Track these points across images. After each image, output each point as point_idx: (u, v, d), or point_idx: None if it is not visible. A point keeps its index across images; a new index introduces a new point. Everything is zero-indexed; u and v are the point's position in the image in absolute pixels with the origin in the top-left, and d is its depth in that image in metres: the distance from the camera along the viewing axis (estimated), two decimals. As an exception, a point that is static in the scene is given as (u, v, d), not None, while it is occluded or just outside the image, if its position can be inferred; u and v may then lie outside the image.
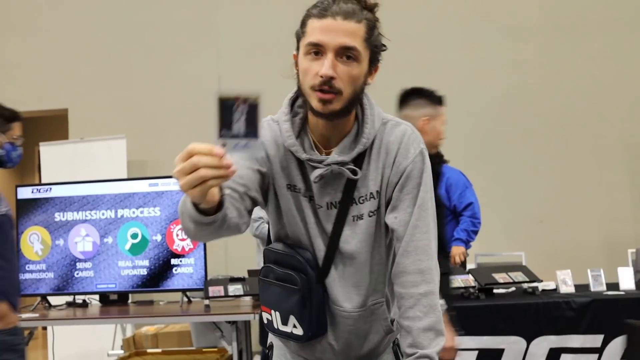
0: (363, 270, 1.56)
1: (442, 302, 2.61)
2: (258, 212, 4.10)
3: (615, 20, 5.63)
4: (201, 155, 1.07)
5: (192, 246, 4.31)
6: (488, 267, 4.04)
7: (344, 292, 1.56)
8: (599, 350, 3.42)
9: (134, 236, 4.41)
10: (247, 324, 3.99)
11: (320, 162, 1.47)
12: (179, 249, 4.33)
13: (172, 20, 6.09)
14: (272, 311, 1.57)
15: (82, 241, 4.50)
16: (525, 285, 3.93)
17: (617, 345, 3.43)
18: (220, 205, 1.24)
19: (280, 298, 1.55)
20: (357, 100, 1.47)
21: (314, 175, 1.47)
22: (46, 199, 4.55)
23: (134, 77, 6.06)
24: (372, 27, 1.43)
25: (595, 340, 3.44)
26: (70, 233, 4.51)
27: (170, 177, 4.45)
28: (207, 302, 3.92)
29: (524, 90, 5.64)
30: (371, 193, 1.52)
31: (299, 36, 1.47)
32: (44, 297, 4.49)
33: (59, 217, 4.53)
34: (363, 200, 1.52)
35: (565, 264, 4.34)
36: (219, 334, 4.00)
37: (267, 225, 5.12)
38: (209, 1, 6.06)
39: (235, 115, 1.10)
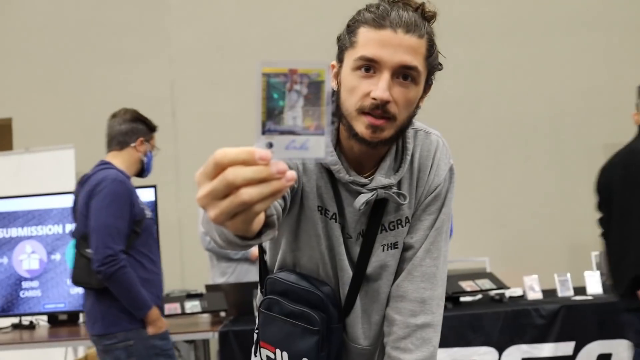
0: (384, 304, 1.39)
1: None
2: None
3: (575, 21, 5.63)
4: (237, 165, 0.68)
5: (146, 262, 4.09)
6: (454, 274, 3.92)
7: (365, 329, 1.39)
8: (572, 358, 3.35)
9: (84, 252, 4.17)
10: (205, 342, 3.80)
11: (363, 185, 1.28)
12: (132, 265, 4.10)
13: (121, 23, 5.85)
14: (277, 350, 1.35)
15: (27, 259, 4.24)
16: (492, 293, 3.84)
17: (590, 351, 3.36)
18: (264, 225, 0.90)
19: (290, 337, 1.33)
20: (407, 127, 1.28)
21: (360, 201, 1.26)
22: (-12, 215, 4.29)
23: (82, 84, 5.80)
24: (432, 44, 1.23)
25: (568, 347, 3.37)
26: (14, 250, 4.26)
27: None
28: (163, 320, 3.71)
29: (485, 93, 5.59)
30: (407, 218, 1.34)
31: (345, 45, 1.23)
32: (-12, 319, 4.22)
33: (2, 233, 4.28)
34: (394, 226, 1.33)
35: (529, 268, 4.27)
36: (176, 354, 3.81)
37: None
38: (159, 4, 5.85)
39: (289, 99, 0.72)
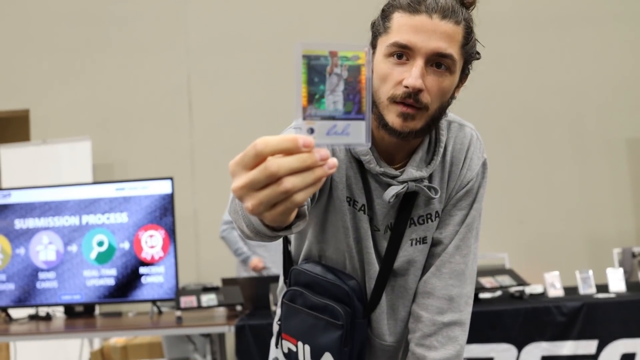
0: (411, 300, 1.35)
1: None
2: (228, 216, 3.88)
3: (595, 14, 5.53)
4: (278, 154, 0.65)
5: (162, 254, 4.07)
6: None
7: (391, 325, 1.35)
8: (594, 357, 3.28)
9: (100, 244, 4.16)
10: (221, 336, 3.78)
11: (393, 177, 1.24)
12: (148, 257, 4.09)
13: (138, 15, 5.83)
14: (299, 343, 1.32)
15: (44, 250, 4.23)
16: (512, 290, 3.77)
17: (613, 350, 3.29)
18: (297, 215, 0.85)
19: (313, 330, 1.29)
20: (440, 119, 1.23)
21: (390, 194, 1.22)
22: (5, 205, 4.28)
23: (99, 76, 5.79)
24: (469, 31, 1.19)
25: (590, 346, 3.29)
26: (31, 241, 4.24)
27: (138, 180, 4.21)
28: (178, 313, 3.69)
29: (503, 87, 5.51)
30: (437, 212, 1.30)
31: (378, 30, 1.19)
32: (4, 309, 4.22)
33: (19, 224, 4.26)
34: (424, 220, 1.29)
35: (548, 264, 4.21)
36: (191, 347, 3.79)
37: (234, 232, 4.97)
38: (176, -4, 5.83)
39: (329, 82, 0.69)
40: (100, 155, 5.48)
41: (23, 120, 5.97)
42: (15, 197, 4.30)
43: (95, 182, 4.92)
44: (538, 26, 5.56)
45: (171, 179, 4.10)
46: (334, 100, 0.69)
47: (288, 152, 0.65)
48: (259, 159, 0.65)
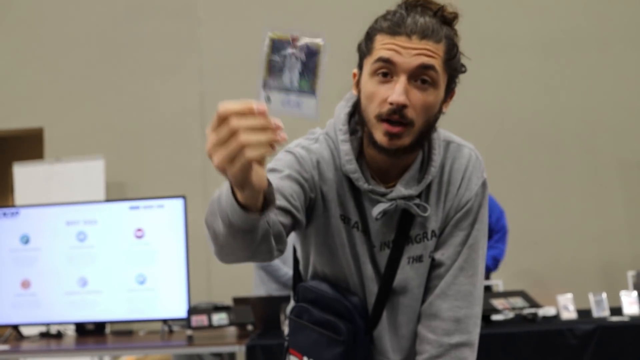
0: (415, 317, 1.36)
1: None
2: None
3: (607, 36, 5.54)
4: (238, 115, 0.80)
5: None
6: (485, 292, 3.85)
7: (394, 342, 1.36)
8: (608, 381, 3.24)
9: (112, 262, 4.16)
10: (232, 355, 3.77)
11: (383, 195, 1.27)
12: (160, 276, 4.09)
13: (152, 36, 5.90)
14: (305, 358, 1.35)
15: (56, 268, 4.24)
16: (524, 312, 3.75)
17: (627, 376, 3.26)
18: (266, 203, 0.97)
19: (317, 346, 1.32)
20: (429, 134, 1.26)
21: (377, 211, 1.25)
22: (18, 223, 4.30)
23: (113, 95, 5.85)
24: (452, 47, 1.21)
25: (603, 370, 3.26)
26: (44, 259, 4.25)
27: (150, 198, 4.24)
28: (189, 332, 3.69)
29: (516, 109, 5.51)
30: (433, 231, 1.32)
31: (363, 52, 1.24)
32: (15, 327, 4.23)
33: (32, 241, 4.27)
34: (420, 239, 1.31)
35: (561, 286, 4.17)
36: (202, 367, 3.78)
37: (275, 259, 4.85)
38: (190, 17, 5.89)
39: (288, 61, 0.86)
40: (113, 174, 5.52)
41: (37, 138, 6.03)
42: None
43: (107, 200, 4.93)
44: (551, 49, 5.57)
45: (183, 197, 4.12)
46: (291, 77, 0.86)
47: (243, 114, 0.81)
48: (221, 120, 0.81)
